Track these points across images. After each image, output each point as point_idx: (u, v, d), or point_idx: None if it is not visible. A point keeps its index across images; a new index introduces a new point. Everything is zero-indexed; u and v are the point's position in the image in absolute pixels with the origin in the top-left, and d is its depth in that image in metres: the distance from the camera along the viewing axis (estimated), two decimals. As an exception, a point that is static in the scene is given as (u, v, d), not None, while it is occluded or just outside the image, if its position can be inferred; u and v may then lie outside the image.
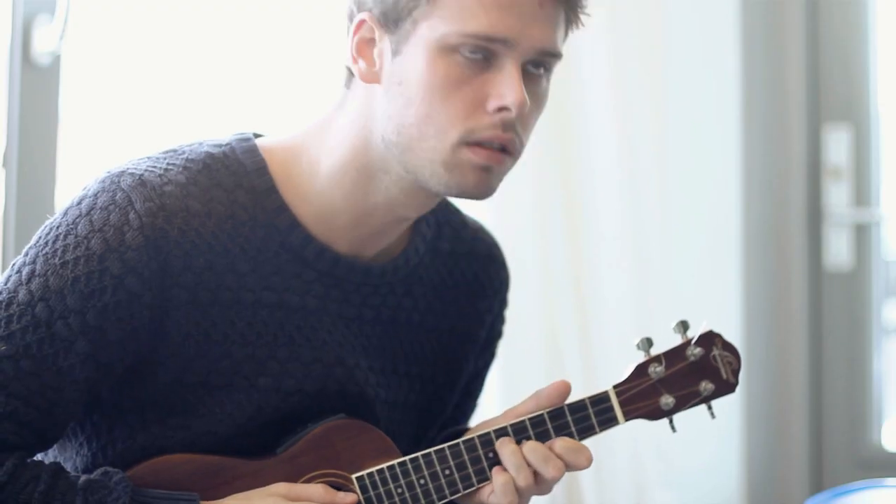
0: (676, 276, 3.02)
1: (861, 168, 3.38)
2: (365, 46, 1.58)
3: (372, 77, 1.58)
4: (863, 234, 3.38)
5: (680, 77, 3.18)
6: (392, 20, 1.55)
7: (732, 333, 3.19)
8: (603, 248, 2.93)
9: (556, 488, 2.86)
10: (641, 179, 3.02)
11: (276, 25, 2.53)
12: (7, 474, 1.48)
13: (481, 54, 1.53)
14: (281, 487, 1.56)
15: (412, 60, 1.54)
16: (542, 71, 1.58)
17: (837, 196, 3.38)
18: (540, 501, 2.70)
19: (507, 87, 1.52)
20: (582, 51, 2.87)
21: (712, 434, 3.19)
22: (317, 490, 1.57)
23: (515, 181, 2.78)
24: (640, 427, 2.91)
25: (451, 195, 1.59)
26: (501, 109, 1.53)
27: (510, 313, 2.82)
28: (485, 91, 1.53)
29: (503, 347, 2.71)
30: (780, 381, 3.34)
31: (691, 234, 3.23)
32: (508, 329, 2.75)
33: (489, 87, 1.53)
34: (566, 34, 1.60)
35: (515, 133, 1.55)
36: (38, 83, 2.29)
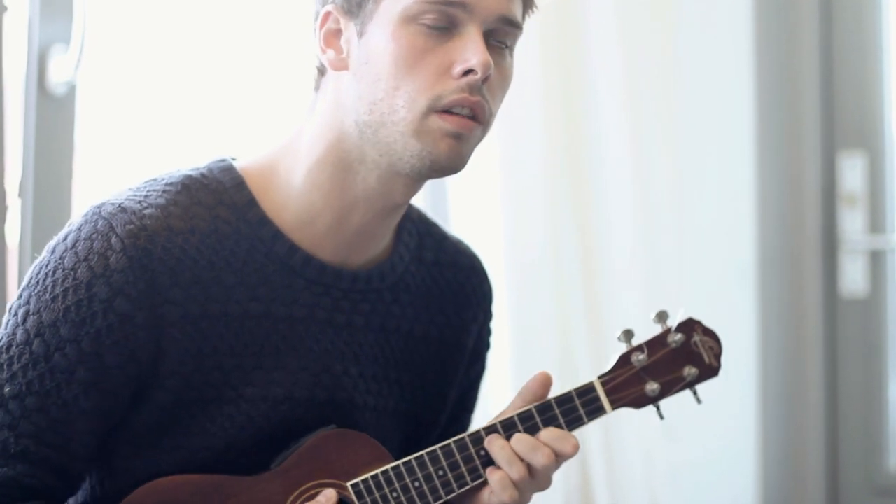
0: (690, 303, 3.01)
1: (876, 195, 3.38)
2: (332, 37, 1.62)
3: (341, 64, 1.61)
4: (878, 261, 3.37)
5: (694, 102, 3.19)
6: (355, 4, 1.59)
7: (747, 360, 3.21)
8: (616, 272, 2.93)
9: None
10: (656, 207, 3.02)
11: (297, 51, 2.54)
12: None
13: (443, 22, 1.55)
14: None
15: (377, 38, 1.57)
16: (504, 46, 1.61)
17: (852, 223, 3.38)
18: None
19: (470, 51, 1.55)
20: (597, 79, 2.88)
21: (727, 459, 3.18)
22: None
23: (528, 195, 2.79)
24: (653, 449, 2.91)
25: (425, 168, 1.58)
26: (467, 73, 1.55)
27: (523, 323, 2.83)
28: (450, 58, 1.56)
29: (516, 355, 2.72)
30: (795, 408, 3.32)
31: (706, 260, 3.22)
32: (521, 338, 2.76)
33: (454, 54, 1.56)
34: (524, 11, 1.63)
35: (483, 98, 1.57)
36: (53, 113, 2.30)
